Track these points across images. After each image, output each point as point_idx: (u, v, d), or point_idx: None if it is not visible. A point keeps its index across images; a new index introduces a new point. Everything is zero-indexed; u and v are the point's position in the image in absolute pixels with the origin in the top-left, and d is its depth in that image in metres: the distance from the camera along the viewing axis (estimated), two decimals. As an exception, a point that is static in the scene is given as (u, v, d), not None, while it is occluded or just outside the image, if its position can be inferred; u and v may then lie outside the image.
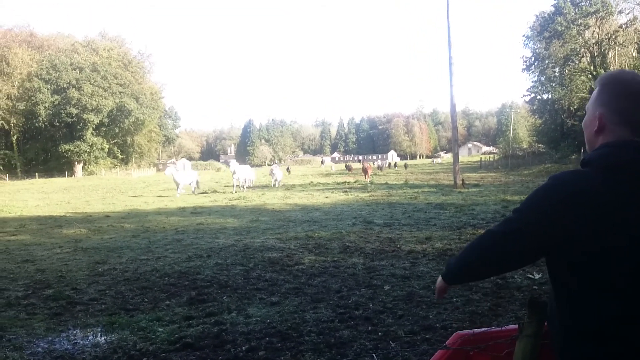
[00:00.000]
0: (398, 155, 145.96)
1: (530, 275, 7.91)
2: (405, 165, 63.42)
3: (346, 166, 66.84)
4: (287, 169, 67.91)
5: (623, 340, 1.66)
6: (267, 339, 5.63)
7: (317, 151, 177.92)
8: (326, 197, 25.84)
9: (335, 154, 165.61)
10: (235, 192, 30.61)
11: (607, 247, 1.65)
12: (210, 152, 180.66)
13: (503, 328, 2.36)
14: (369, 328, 5.87)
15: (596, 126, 1.84)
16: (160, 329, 6.03)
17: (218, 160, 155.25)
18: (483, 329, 2.37)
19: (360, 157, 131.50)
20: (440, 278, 2.18)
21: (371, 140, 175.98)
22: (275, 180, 37.17)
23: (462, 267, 2.07)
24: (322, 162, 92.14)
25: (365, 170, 41.83)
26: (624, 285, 1.66)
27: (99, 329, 6.13)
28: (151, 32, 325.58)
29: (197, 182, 32.55)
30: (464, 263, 2.06)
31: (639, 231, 1.64)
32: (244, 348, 5.38)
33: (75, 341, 5.78)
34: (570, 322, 1.76)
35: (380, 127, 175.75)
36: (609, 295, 1.67)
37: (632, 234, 1.64)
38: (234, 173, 32.06)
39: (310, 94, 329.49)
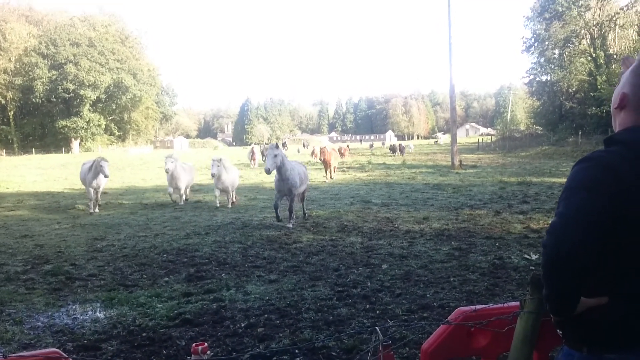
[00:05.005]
0: (396, 136, 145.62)
1: (527, 256, 7.96)
2: (402, 149, 51.08)
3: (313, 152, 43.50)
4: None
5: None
6: (266, 315, 5.67)
7: (315, 130, 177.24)
8: (323, 176, 25.82)
9: (333, 134, 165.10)
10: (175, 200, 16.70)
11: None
12: (207, 131, 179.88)
13: (505, 305, 2.37)
14: (367, 306, 5.91)
15: (617, 104, 1.89)
16: (159, 305, 6.06)
17: (215, 138, 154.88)
18: (485, 306, 2.38)
19: (359, 137, 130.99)
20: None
21: (369, 120, 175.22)
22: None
23: (552, 290, 1.79)
24: (305, 146, 62.24)
25: (326, 162, 24.33)
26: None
27: (98, 305, 6.16)
28: (149, 8, 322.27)
29: None
30: (551, 285, 1.78)
31: None
32: (243, 324, 5.42)
33: (75, 316, 5.81)
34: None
35: (378, 107, 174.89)
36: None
37: None
38: (169, 173, 16.02)
39: (309, 74, 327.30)
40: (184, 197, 16.52)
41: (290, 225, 11.26)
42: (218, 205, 15.21)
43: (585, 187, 1.70)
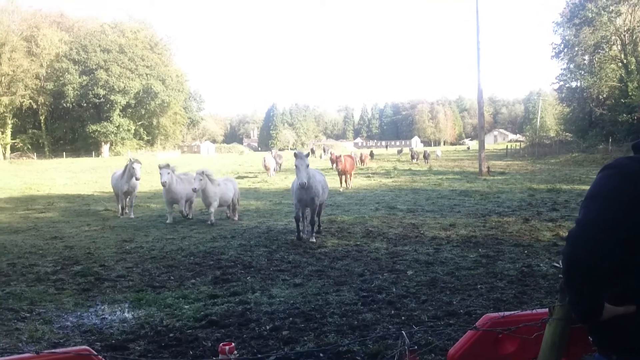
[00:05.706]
0: (422, 142, 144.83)
1: (556, 264, 7.83)
2: (426, 156, 46.60)
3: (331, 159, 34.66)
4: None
5: None
6: (291, 319, 5.69)
7: (340, 136, 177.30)
8: (339, 187, 25.76)
9: (359, 139, 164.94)
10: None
11: None
12: (233, 136, 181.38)
13: (533, 311, 2.35)
14: (392, 312, 5.88)
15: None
16: (186, 306, 6.13)
17: (241, 143, 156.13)
18: (513, 312, 2.36)
19: (384, 143, 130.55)
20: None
21: (395, 126, 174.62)
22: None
23: (573, 297, 1.83)
24: (325, 151, 59.69)
25: (343, 170, 22.41)
26: None
27: (127, 305, 6.25)
28: (177, 15, 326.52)
29: None
30: (571, 291, 1.83)
31: None
32: (268, 327, 5.44)
33: (103, 316, 5.90)
34: None
35: (404, 112, 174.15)
36: None
37: None
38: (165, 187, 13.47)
39: (334, 80, 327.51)
40: (185, 214, 13.81)
41: (314, 240, 10.23)
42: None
43: (603, 196, 1.71)
